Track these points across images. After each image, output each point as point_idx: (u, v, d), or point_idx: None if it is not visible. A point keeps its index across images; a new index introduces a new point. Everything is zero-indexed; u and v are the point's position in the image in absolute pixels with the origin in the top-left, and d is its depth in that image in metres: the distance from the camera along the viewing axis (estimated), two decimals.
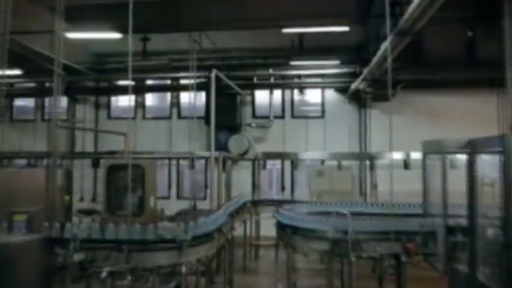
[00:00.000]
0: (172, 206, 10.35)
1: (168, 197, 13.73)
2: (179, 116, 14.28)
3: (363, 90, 12.48)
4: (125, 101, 14.30)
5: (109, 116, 14.69)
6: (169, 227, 5.28)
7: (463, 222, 5.28)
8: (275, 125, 13.63)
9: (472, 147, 4.88)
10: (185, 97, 13.72)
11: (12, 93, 14.75)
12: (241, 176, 13.28)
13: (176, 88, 14.06)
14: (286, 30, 9.66)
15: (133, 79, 12.73)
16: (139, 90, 14.03)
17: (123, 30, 8.05)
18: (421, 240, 5.71)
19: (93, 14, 8.86)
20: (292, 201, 9.79)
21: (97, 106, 14.74)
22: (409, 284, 6.27)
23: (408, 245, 5.68)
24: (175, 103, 14.46)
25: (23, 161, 14.04)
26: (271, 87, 13.57)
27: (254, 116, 14.01)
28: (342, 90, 13.39)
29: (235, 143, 13.09)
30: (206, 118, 12.59)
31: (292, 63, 12.26)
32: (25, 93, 14.91)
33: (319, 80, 13.37)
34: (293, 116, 13.92)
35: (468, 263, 4.91)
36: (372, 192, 12.52)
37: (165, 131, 14.07)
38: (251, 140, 13.35)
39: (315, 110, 13.93)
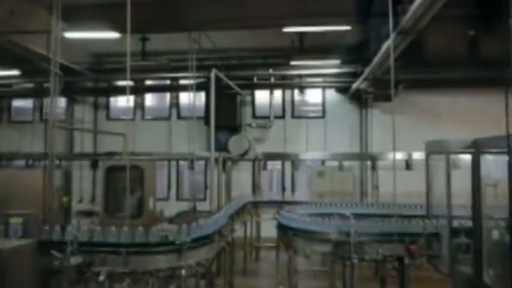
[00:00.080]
0: (172, 207, 10.27)
1: (167, 198, 13.67)
2: (179, 117, 14.21)
3: (364, 90, 12.40)
4: (124, 102, 14.24)
5: (108, 117, 14.62)
6: (169, 229, 5.19)
7: (468, 223, 5.21)
8: (275, 125, 13.57)
9: (477, 147, 4.81)
10: (185, 97, 13.65)
11: (11, 93, 14.71)
12: (242, 177, 13.21)
13: (175, 88, 13.98)
14: (286, 30, 9.58)
15: (132, 79, 12.73)
16: (139, 90, 13.97)
17: (121, 29, 7.97)
18: (424, 241, 5.63)
19: (91, 13, 8.78)
20: (293, 202, 9.71)
21: (96, 107, 14.67)
22: (412, 285, 6.20)
23: (411, 246, 5.60)
24: (175, 103, 14.40)
25: (21, 162, 13.94)
26: (271, 87, 13.50)
27: (254, 116, 13.95)
28: (342, 90, 13.33)
29: (235, 144, 13.03)
30: (206, 118, 12.53)
31: (293, 63, 12.17)
32: (23, 94, 14.84)
33: (319, 79, 13.29)
34: (293, 116, 13.87)
35: (473, 265, 4.84)
36: (373, 193, 12.45)
37: (164, 132, 14.00)
38: (251, 140, 13.29)
39: (315, 110, 13.87)
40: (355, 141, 13.23)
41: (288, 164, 13.61)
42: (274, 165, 13.85)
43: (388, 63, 8.93)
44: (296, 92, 13.83)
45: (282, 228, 7.11)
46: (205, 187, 13.39)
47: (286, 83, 13.52)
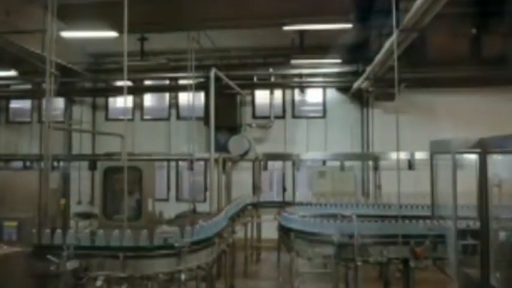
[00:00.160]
0: (171, 209, 10.09)
1: (167, 200, 13.58)
2: (178, 117, 14.12)
3: (365, 89, 12.28)
4: (122, 102, 14.12)
5: (106, 118, 14.54)
6: (168, 232, 5.07)
7: (474, 224, 5.10)
8: (276, 125, 13.48)
9: (483, 147, 4.69)
10: (184, 97, 13.52)
11: (9, 94, 14.61)
12: (242, 178, 13.07)
13: (175, 88, 13.89)
14: (286, 28, 9.47)
15: (131, 79, 12.61)
16: (137, 90, 13.87)
17: (120, 29, 7.84)
18: (430, 243, 5.52)
19: (88, 12, 8.67)
20: (294, 203, 9.61)
21: (94, 107, 14.58)
22: (416, 287, 6.08)
23: (416, 249, 5.49)
24: (174, 104, 14.30)
25: (19, 164, 13.83)
26: (271, 86, 13.41)
27: (254, 116, 13.85)
28: (343, 89, 13.23)
29: (235, 144, 12.93)
30: (205, 119, 12.42)
31: (293, 62, 12.06)
32: (21, 95, 14.76)
33: (320, 79, 13.19)
34: (294, 116, 13.78)
35: (480, 267, 4.73)
36: (376, 193, 12.32)
37: (163, 132, 13.90)
38: (251, 140, 13.19)
39: (316, 109, 13.79)
40: (356, 141, 13.13)
41: (288, 164, 13.47)
42: (275, 166, 13.73)
43: (390, 62, 8.86)
44: (296, 91, 13.73)
45: (283, 229, 7.00)
46: (205, 188, 13.28)
47: (286, 83, 13.42)
